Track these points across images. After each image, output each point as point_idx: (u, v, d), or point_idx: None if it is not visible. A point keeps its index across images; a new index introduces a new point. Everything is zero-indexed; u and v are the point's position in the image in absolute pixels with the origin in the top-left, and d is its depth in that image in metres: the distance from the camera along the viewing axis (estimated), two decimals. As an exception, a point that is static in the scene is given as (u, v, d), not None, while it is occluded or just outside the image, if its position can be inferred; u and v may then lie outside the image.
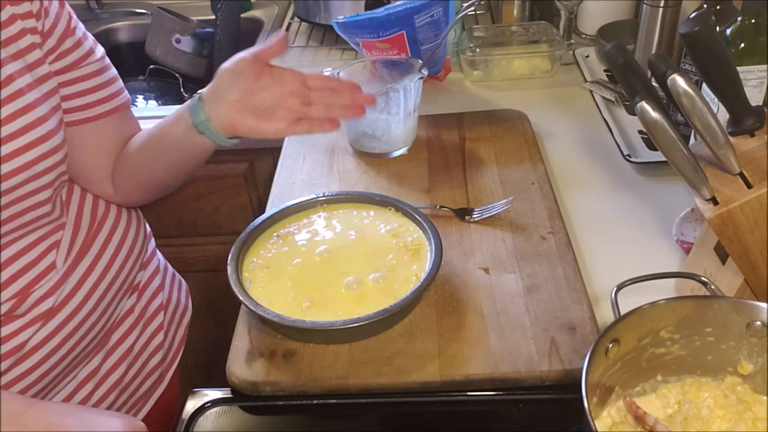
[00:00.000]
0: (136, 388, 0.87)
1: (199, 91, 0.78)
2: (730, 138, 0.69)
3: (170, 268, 0.98)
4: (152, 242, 0.94)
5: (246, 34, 1.51)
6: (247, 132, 0.75)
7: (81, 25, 0.81)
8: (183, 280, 1.02)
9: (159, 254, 0.95)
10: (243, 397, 0.74)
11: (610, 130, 1.10)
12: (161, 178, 0.86)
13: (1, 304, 0.70)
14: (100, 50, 0.82)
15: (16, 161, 0.67)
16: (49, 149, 0.70)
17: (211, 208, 1.31)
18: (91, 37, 0.82)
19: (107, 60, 0.84)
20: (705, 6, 1.00)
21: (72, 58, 0.78)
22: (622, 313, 0.63)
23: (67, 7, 0.79)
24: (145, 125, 1.23)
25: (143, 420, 0.89)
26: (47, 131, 0.70)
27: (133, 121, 0.89)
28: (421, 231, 0.85)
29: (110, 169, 0.85)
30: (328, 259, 0.82)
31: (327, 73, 1.05)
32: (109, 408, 0.83)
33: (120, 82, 0.85)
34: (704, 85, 0.83)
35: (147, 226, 0.92)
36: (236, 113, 0.74)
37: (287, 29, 1.54)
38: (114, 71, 0.84)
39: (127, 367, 0.85)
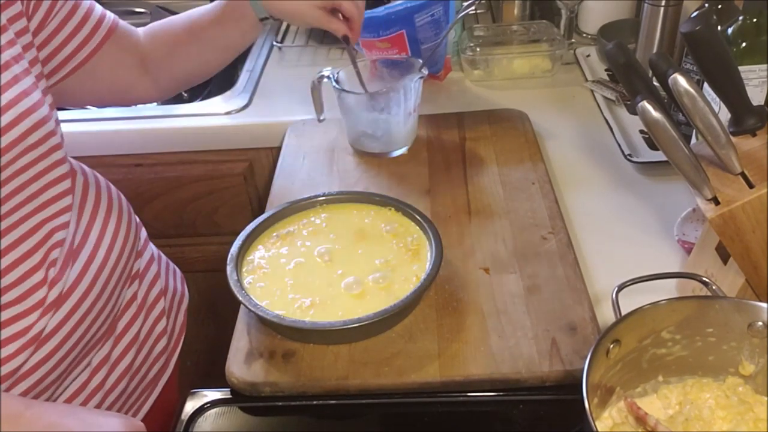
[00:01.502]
0: (144, 373, 0.89)
1: None
2: (732, 138, 0.69)
3: (164, 257, 1.00)
4: (144, 232, 0.95)
5: (246, 34, 1.51)
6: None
7: None
8: (177, 268, 1.03)
9: (151, 244, 0.97)
10: (242, 398, 0.74)
11: (611, 129, 1.10)
12: (208, 70, 0.99)
13: (3, 293, 0.70)
14: None
15: (14, 132, 0.68)
16: (38, 120, 0.71)
17: (210, 208, 1.30)
18: None
19: None
20: (706, 5, 1.00)
21: (43, 9, 0.78)
22: (623, 313, 0.63)
23: None
24: (144, 126, 1.23)
25: (143, 418, 0.89)
26: (33, 103, 0.71)
27: (130, 33, 0.93)
28: (421, 231, 0.85)
29: (136, 76, 0.93)
30: (328, 259, 0.82)
31: (326, 73, 1.05)
32: (120, 395, 0.84)
33: (98, 8, 0.88)
34: (705, 85, 0.83)
35: (136, 217, 0.93)
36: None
37: (287, 29, 1.53)
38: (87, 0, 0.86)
39: (136, 353, 0.86)
